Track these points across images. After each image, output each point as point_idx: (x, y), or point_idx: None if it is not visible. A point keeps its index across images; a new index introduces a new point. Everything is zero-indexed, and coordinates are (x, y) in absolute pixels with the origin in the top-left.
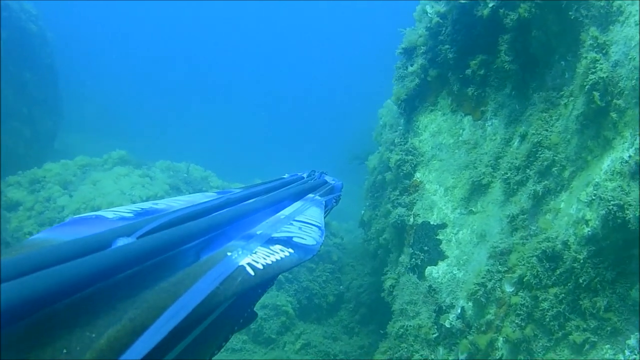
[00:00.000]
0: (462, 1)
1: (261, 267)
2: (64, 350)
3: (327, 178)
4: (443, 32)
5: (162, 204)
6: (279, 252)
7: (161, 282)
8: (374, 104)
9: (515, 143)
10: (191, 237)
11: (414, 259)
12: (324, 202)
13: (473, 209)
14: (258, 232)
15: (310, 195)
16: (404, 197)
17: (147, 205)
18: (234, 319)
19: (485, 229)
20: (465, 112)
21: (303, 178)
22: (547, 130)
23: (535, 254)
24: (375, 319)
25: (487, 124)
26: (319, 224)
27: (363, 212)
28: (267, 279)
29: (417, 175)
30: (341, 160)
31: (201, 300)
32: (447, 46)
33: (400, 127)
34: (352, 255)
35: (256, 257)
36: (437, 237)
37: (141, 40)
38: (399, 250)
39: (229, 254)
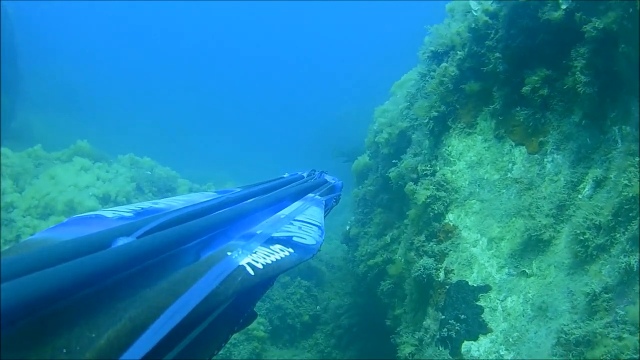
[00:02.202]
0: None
1: (261, 266)
2: (64, 350)
3: (327, 177)
4: (492, 36)
5: (161, 203)
6: (279, 252)
7: (161, 281)
8: (363, 100)
9: (587, 189)
10: (191, 237)
11: (445, 329)
12: (324, 202)
13: (526, 270)
14: (258, 232)
15: (310, 194)
16: (431, 244)
17: (146, 204)
18: (234, 319)
19: (545, 300)
20: (516, 140)
21: (303, 177)
22: None
23: (636, 356)
24: (355, 344)
25: (546, 160)
26: (319, 224)
27: (348, 227)
28: (267, 278)
29: (450, 217)
30: (319, 154)
31: (201, 300)
32: (497, 54)
33: (425, 152)
34: (329, 268)
35: (256, 257)
36: (478, 302)
37: (120, 25)
38: (419, 308)
39: (229, 253)
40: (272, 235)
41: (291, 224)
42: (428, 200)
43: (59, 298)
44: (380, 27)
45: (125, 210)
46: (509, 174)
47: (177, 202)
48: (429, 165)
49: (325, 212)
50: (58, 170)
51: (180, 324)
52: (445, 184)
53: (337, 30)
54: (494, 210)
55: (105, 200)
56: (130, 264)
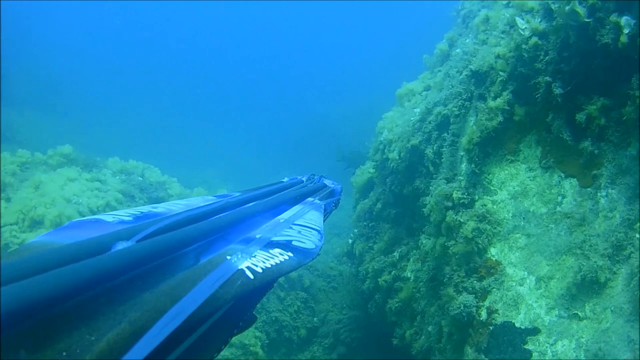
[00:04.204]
0: (578, 21)
1: (260, 270)
2: (64, 353)
3: (327, 181)
4: (541, 58)
5: (161, 208)
6: (278, 256)
7: (161, 285)
8: (359, 100)
9: None
10: (190, 241)
11: None
12: (323, 206)
13: (579, 313)
14: (257, 236)
15: (310, 198)
16: (472, 280)
17: (146, 208)
18: (234, 323)
19: (601, 347)
20: (566, 172)
21: (302, 182)
22: None
23: None
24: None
25: (599, 194)
26: (318, 228)
27: (351, 241)
28: (266, 282)
29: (492, 251)
30: (308, 153)
31: (200, 304)
32: (547, 78)
33: (461, 178)
34: (324, 278)
35: (255, 261)
36: (526, 346)
37: (106, 21)
38: (454, 347)
39: (228, 257)
40: (272, 239)
41: (291, 228)
42: (473, 233)
43: (59, 301)
44: (377, 26)
45: (125, 215)
46: (558, 208)
47: (176, 206)
48: (466, 194)
49: (324, 216)
50: (43, 178)
51: (180, 327)
52: (487, 216)
53: (331, 28)
54: (542, 247)
55: (95, 212)
56: (130, 267)
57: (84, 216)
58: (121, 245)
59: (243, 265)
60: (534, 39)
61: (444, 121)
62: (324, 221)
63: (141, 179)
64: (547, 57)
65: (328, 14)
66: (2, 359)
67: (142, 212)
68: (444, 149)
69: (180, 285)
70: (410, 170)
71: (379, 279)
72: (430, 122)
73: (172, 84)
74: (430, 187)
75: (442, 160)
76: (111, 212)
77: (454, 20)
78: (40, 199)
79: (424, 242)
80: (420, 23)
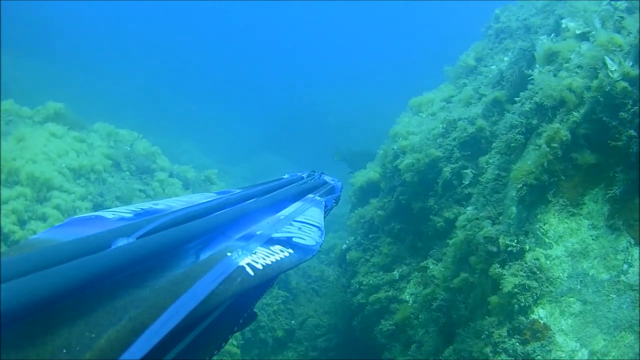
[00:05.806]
0: None
1: (261, 267)
2: (64, 350)
3: (327, 178)
4: (629, 107)
5: (161, 204)
6: (279, 253)
7: (161, 282)
8: (361, 100)
9: None
10: (191, 238)
11: None
12: (323, 203)
13: None
14: (258, 233)
15: (310, 195)
16: (513, 341)
17: (146, 205)
18: (234, 320)
19: None
20: (637, 238)
21: (303, 178)
22: None
23: None
24: None
25: None
26: (318, 225)
27: (345, 247)
28: (266, 279)
29: (540, 313)
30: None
31: (201, 301)
32: (631, 131)
33: (510, 221)
34: (306, 278)
35: (256, 258)
36: None
37: None
38: None
39: (228, 254)
40: (272, 235)
41: (291, 224)
42: (515, 290)
43: (60, 298)
44: (380, 26)
45: (125, 211)
46: (623, 277)
47: (176, 203)
48: (515, 241)
49: (325, 213)
50: (27, 133)
51: (180, 324)
52: (537, 272)
53: (334, 23)
54: (599, 317)
55: (78, 175)
56: (130, 264)
57: (65, 177)
58: (121, 242)
59: (243, 262)
60: (623, 84)
61: (469, 141)
62: (324, 218)
63: (129, 148)
64: (634, 108)
65: (333, 10)
66: (3, 358)
67: (142, 209)
68: (485, 180)
69: (181, 282)
70: (423, 185)
71: (373, 296)
72: (455, 139)
73: (165, 55)
74: (454, 215)
75: (483, 192)
76: (111, 209)
77: (485, 34)
78: (20, 152)
79: (430, 267)
80: (423, 25)
